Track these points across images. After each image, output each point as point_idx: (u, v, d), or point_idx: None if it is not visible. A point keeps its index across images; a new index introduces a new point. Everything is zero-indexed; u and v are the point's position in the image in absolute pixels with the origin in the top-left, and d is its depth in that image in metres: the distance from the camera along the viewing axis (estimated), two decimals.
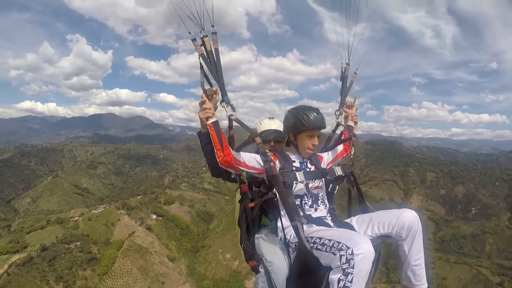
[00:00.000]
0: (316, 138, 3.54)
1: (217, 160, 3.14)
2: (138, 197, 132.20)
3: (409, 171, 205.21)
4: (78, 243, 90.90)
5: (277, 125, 4.20)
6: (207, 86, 3.22)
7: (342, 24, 3.92)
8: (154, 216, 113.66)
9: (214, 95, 3.19)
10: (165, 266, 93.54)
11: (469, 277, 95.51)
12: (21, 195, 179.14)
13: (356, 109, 4.46)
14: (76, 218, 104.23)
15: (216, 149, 3.12)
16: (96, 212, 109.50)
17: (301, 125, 3.46)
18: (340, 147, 4.20)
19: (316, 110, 3.51)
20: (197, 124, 3.42)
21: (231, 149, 3.23)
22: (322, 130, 3.68)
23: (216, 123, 3.12)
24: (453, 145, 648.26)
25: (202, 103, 3.15)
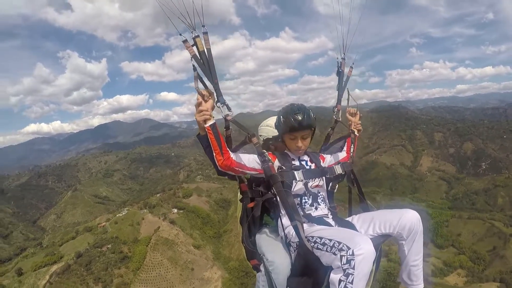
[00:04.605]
0: (300, 139, 3.42)
1: (217, 164, 3.06)
2: (158, 195, 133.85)
3: (416, 133, 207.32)
4: (110, 246, 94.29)
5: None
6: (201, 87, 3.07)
7: (330, 9, 3.78)
8: (175, 210, 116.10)
9: (210, 97, 3.05)
10: (192, 254, 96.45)
11: (483, 231, 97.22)
12: (45, 214, 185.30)
13: (360, 116, 4.27)
14: (103, 224, 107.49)
15: (215, 153, 3.03)
16: (121, 215, 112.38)
17: (280, 128, 3.47)
18: (342, 154, 4.05)
19: (297, 111, 3.35)
20: None
21: (230, 152, 3.15)
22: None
23: (214, 126, 2.99)
24: (459, 102, 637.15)
25: (198, 105, 3.00)
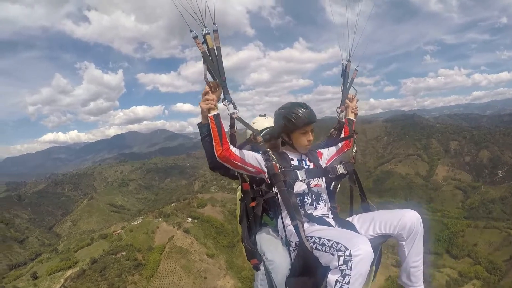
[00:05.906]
0: (310, 133, 3.46)
1: (215, 154, 3.09)
2: (172, 204, 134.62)
3: (431, 142, 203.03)
4: (124, 253, 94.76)
5: (271, 122, 4.08)
6: (210, 79, 3.13)
7: (343, 18, 3.89)
8: (190, 220, 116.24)
9: (217, 88, 3.14)
10: (206, 262, 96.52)
11: (499, 241, 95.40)
12: (61, 221, 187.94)
13: (357, 100, 4.38)
14: (118, 231, 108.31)
15: (215, 143, 3.06)
16: (136, 223, 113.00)
17: (292, 124, 3.38)
18: (341, 143, 4.12)
19: (304, 106, 3.41)
20: None
21: (230, 144, 3.18)
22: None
23: (217, 116, 3.07)
24: (475, 109, 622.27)
25: (205, 93, 3.08)
